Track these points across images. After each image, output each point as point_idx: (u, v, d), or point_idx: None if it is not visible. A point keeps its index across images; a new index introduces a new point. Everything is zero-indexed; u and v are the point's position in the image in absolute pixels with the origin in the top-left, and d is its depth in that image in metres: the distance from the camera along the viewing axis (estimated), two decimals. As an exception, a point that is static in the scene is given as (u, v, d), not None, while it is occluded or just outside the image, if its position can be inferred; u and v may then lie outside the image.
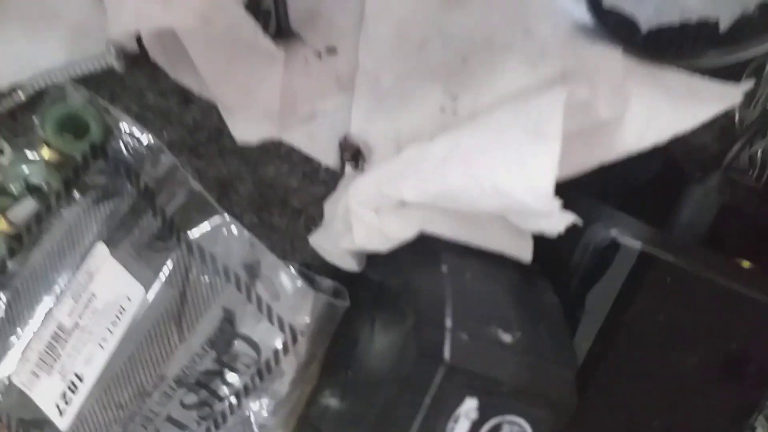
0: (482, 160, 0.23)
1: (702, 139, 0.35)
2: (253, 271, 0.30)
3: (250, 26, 0.29)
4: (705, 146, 0.36)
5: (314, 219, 0.34)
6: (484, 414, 0.22)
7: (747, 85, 0.31)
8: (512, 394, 0.22)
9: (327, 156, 0.34)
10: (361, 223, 0.26)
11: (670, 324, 0.28)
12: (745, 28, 0.32)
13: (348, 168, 0.33)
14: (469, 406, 0.21)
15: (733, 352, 0.28)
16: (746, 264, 0.32)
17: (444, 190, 0.24)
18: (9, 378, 0.32)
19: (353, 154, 0.33)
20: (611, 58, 0.30)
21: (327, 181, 0.34)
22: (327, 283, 0.33)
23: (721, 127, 0.35)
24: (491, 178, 0.23)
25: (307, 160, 0.34)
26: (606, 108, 0.26)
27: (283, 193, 0.34)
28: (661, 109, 0.29)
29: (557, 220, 0.24)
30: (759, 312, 0.28)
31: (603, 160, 0.29)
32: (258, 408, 0.32)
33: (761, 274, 0.31)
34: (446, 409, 0.22)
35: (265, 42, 0.30)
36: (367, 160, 0.33)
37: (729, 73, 0.34)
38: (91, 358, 0.31)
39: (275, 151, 0.34)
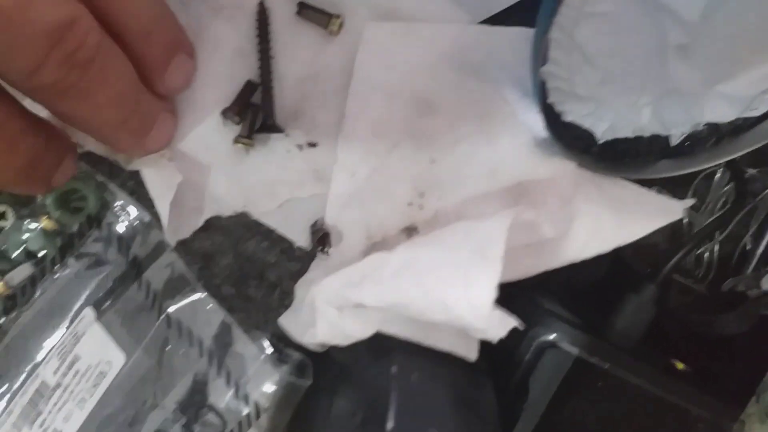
0: (432, 276, 0.26)
1: (652, 239, 0.38)
2: (225, 345, 0.33)
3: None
4: (655, 245, 0.39)
5: (288, 293, 0.37)
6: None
7: (690, 201, 0.34)
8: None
9: (300, 237, 0.36)
10: (324, 320, 0.29)
11: (601, 426, 0.31)
12: (694, 142, 0.35)
13: (318, 250, 0.36)
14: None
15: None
16: (680, 366, 0.35)
17: (398, 299, 0.27)
18: (-7, 428, 0.35)
19: (321, 239, 0.36)
20: (564, 173, 0.33)
21: (302, 257, 0.37)
22: (295, 356, 0.35)
23: (672, 227, 0.38)
24: (439, 293, 0.26)
25: (284, 239, 0.37)
26: (550, 228, 0.29)
27: (260, 267, 0.37)
28: (606, 222, 0.32)
29: (498, 328, 0.27)
30: (681, 417, 0.31)
31: (547, 267, 0.31)
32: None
33: (693, 377, 0.34)
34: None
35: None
36: (335, 245, 0.36)
37: (680, 180, 0.37)
38: (69, 416, 0.34)
39: (256, 228, 0.37)
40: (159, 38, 0.28)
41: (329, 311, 0.29)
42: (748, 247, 0.41)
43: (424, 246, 0.28)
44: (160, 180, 0.31)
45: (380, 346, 0.28)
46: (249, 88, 0.34)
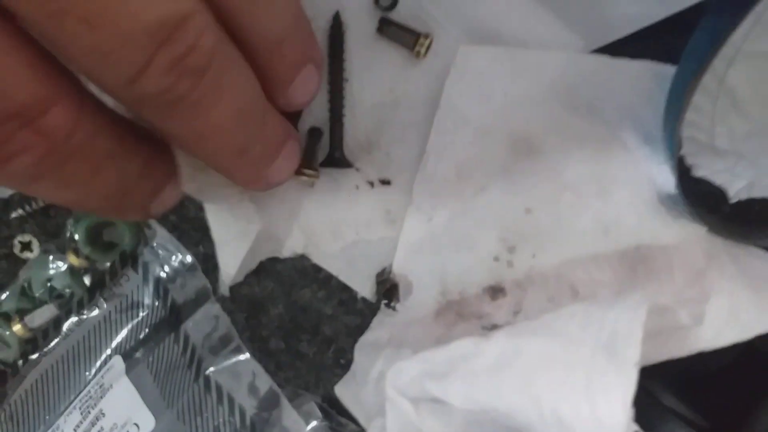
0: (544, 379, 0.20)
1: None
2: (269, 417, 0.28)
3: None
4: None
5: (344, 350, 0.32)
6: None
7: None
8: None
9: (363, 287, 0.31)
10: (396, 414, 0.24)
11: None
12: None
13: (384, 304, 0.31)
14: None
15: None
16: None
17: (496, 404, 0.21)
18: (6, 480, 0.31)
19: (388, 291, 0.30)
20: (694, 239, 0.27)
21: (363, 311, 0.32)
22: (350, 427, 0.30)
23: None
24: (554, 403, 0.20)
25: (345, 288, 0.32)
26: (687, 316, 0.23)
27: (315, 320, 0.32)
28: (745, 304, 0.26)
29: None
30: None
31: (671, 356, 0.26)
32: None
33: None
34: None
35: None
36: (403, 299, 0.31)
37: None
38: (90, 481, 0.29)
39: (314, 274, 0.32)
40: (292, 48, 0.22)
41: (403, 404, 0.23)
42: None
43: (533, 335, 0.22)
44: (233, 223, 0.26)
45: None
46: (314, 135, 0.29)
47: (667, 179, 0.28)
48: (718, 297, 0.25)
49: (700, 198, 0.28)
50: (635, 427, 0.22)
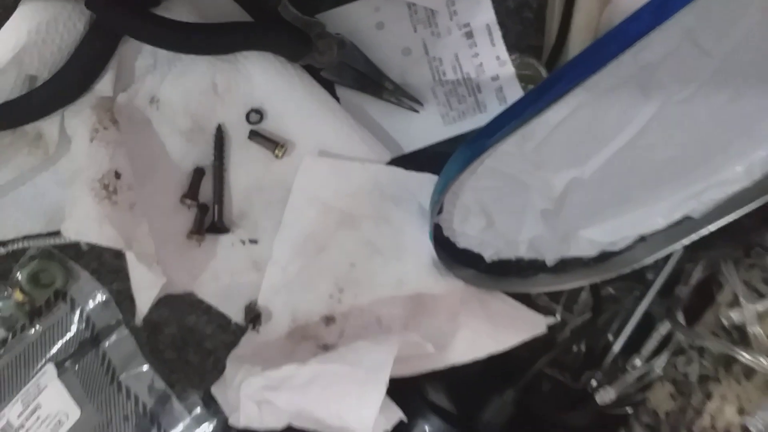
0: (332, 389, 0.34)
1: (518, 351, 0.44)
2: (163, 408, 0.40)
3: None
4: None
5: (220, 359, 0.44)
6: None
7: (551, 320, 0.43)
8: None
9: (236, 315, 0.43)
10: (246, 413, 0.36)
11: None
12: (567, 263, 0.44)
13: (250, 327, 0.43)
14: None
15: None
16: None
17: (305, 405, 0.34)
18: (-44, 461, 0.41)
19: (253, 318, 0.43)
20: (453, 290, 0.41)
21: (236, 332, 0.44)
22: (221, 416, 0.42)
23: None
24: (336, 404, 0.33)
25: (222, 316, 0.44)
26: (431, 347, 0.37)
27: (199, 338, 0.44)
28: (483, 333, 0.40)
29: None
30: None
31: (431, 369, 0.39)
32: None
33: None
34: None
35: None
36: (265, 323, 0.43)
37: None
38: (28, 455, 0.40)
39: (198, 305, 0.43)
40: None
41: (250, 406, 0.36)
42: (611, 341, 0.49)
43: (331, 363, 0.35)
44: (146, 278, 0.37)
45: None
46: (198, 173, 0.40)
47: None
48: (464, 330, 0.40)
49: (460, 261, 0.42)
50: (400, 413, 0.36)
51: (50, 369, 0.40)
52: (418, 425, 0.39)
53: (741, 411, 0.38)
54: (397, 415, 0.36)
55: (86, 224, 0.35)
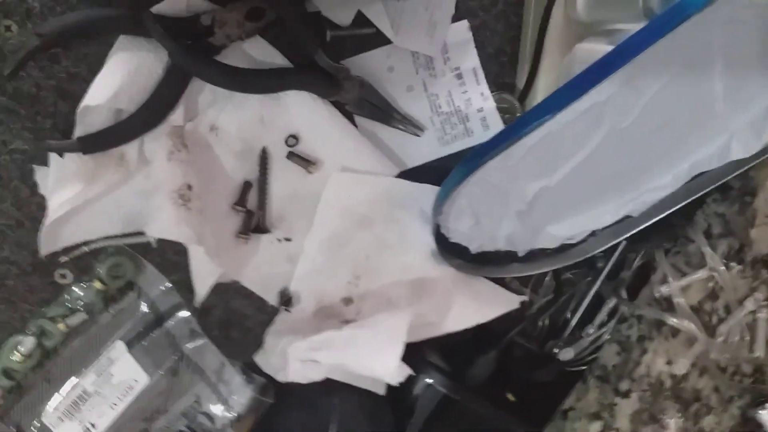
0: (363, 349, 0.44)
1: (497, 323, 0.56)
2: (218, 374, 0.50)
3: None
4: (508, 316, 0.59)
5: (258, 336, 0.54)
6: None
7: (523, 297, 0.54)
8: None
9: (271, 298, 0.53)
10: (293, 369, 0.46)
11: (455, 433, 0.50)
12: (535, 254, 0.55)
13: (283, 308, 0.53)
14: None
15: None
16: (512, 398, 0.55)
17: (341, 360, 0.44)
18: (41, 420, 0.50)
19: (286, 301, 0.53)
20: (447, 275, 0.52)
21: (271, 312, 0.54)
22: (260, 379, 0.52)
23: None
24: (365, 359, 0.44)
25: (260, 299, 0.53)
26: (434, 316, 0.48)
27: (241, 318, 0.54)
28: (471, 308, 0.51)
29: (398, 378, 0.46)
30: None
31: (433, 335, 0.50)
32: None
33: (519, 405, 0.54)
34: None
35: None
36: (295, 305, 0.53)
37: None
38: (103, 414, 0.49)
39: (242, 291, 0.53)
40: None
41: (296, 364, 0.46)
42: (568, 318, 0.61)
43: (359, 329, 0.46)
44: (206, 268, 0.47)
45: (328, 385, 0.46)
46: (246, 186, 0.50)
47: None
48: (456, 306, 0.51)
49: (453, 252, 0.53)
50: (409, 370, 0.47)
51: (120, 345, 0.49)
52: (421, 378, 0.49)
53: (668, 362, 0.50)
54: (406, 370, 0.47)
55: (168, 226, 0.44)
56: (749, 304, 0.49)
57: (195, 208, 0.45)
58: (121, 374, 0.49)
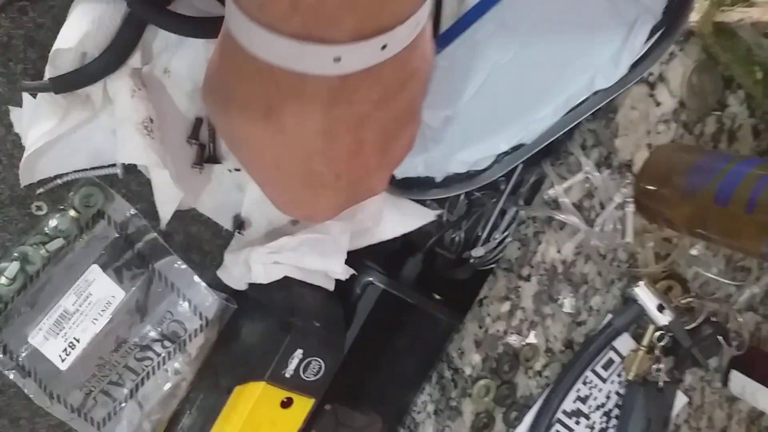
0: (315, 249, 0.53)
1: (427, 227, 0.67)
2: (187, 285, 0.57)
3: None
4: (429, 231, 0.69)
5: (216, 257, 0.61)
6: (304, 356, 0.51)
7: (439, 211, 0.64)
8: (318, 348, 0.52)
9: (226, 223, 0.61)
10: (257, 270, 0.54)
11: (393, 324, 0.60)
12: (449, 180, 0.66)
13: (237, 232, 0.61)
14: (298, 352, 0.51)
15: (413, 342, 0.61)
16: (437, 296, 0.65)
17: (298, 259, 0.53)
18: (28, 341, 0.55)
19: (239, 225, 0.61)
20: (383, 196, 0.61)
21: (226, 236, 0.62)
22: (222, 295, 0.60)
23: (438, 222, 0.68)
24: (318, 258, 0.53)
25: (215, 224, 0.61)
26: (369, 221, 0.57)
27: (200, 242, 0.61)
28: (397, 221, 0.61)
29: (344, 275, 0.55)
30: (432, 320, 0.61)
31: (370, 242, 0.60)
32: (178, 364, 0.59)
33: (444, 302, 0.65)
34: (289, 353, 0.51)
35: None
36: (247, 228, 0.61)
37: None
38: (86, 330, 0.56)
39: (199, 217, 0.61)
40: None
41: (259, 266, 0.54)
42: (479, 234, 0.72)
43: (310, 233, 0.55)
44: (169, 193, 0.54)
45: (286, 282, 0.55)
46: (198, 121, 0.58)
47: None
48: (386, 218, 0.60)
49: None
50: (352, 270, 0.56)
51: (95, 268, 0.56)
52: (362, 278, 0.59)
53: (558, 250, 0.62)
54: (350, 270, 0.56)
55: (137, 152, 0.51)
56: (617, 199, 0.62)
57: (157, 138, 0.53)
58: (99, 293, 0.56)
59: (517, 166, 0.66)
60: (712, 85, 0.65)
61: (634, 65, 0.55)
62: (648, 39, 0.54)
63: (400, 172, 0.63)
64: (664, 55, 0.55)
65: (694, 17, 0.61)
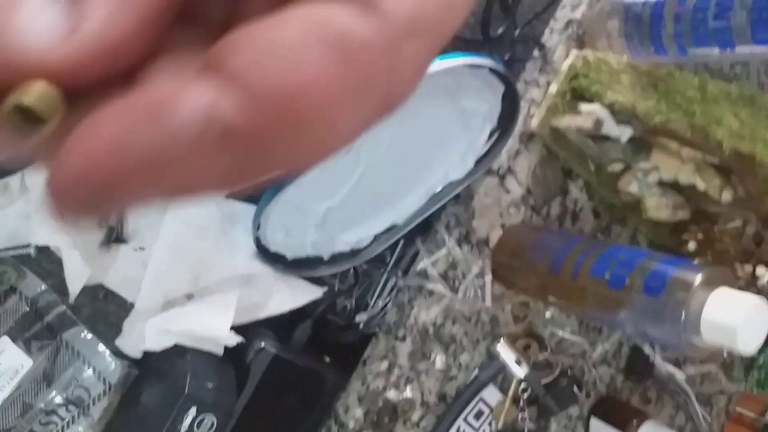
0: (206, 318, 0.61)
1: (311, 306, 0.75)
2: (91, 355, 0.63)
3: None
4: (320, 299, 0.78)
5: (121, 329, 0.68)
6: (197, 412, 0.58)
7: (324, 288, 0.74)
8: (210, 405, 0.59)
9: (130, 297, 0.68)
10: (149, 338, 0.61)
11: (285, 386, 0.67)
12: (336, 258, 0.75)
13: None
14: (192, 410, 0.57)
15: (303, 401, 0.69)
16: (328, 359, 0.74)
17: (188, 328, 0.61)
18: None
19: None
20: (268, 272, 0.70)
21: (130, 309, 0.68)
22: (125, 362, 0.66)
23: (330, 290, 0.77)
24: (207, 326, 0.60)
25: (121, 298, 0.68)
26: (260, 298, 0.65)
27: (106, 315, 0.67)
28: (287, 295, 0.70)
29: (231, 341, 0.63)
30: (321, 381, 0.69)
31: (260, 317, 0.68)
32: (82, 428, 0.64)
33: (332, 363, 0.73)
34: (183, 411, 0.57)
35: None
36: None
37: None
38: (-8, 398, 0.60)
39: (101, 290, 0.67)
40: None
41: (152, 335, 0.61)
42: (368, 301, 0.82)
43: (199, 303, 0.63)
44: (79, 270, 0.61)
45: (182, 349, 0.62)
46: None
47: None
48: (276, 293, 0.69)
49: (274, 260, 0.71)
50: (240, 337, 0.64)
51: (5, 339, 0.61)
52: (254, 344, 0.67)
53: (428, 314, 0.72)
54: (239, 337, 0.64)
55: (50, 235, 0.58)
56: (475, 270, 0.73)
57: (69, 222, 0.60)
58: (7, 362, 0.61)
59: (399, 242, 0.77)
60: (554, 175, 0.79)
61: (479, 161, 0.67)
62: (488, 140, 0.67)
63: (292, 253, 0.72)
64: (502, 151, 0.67)
65: (534, 122, 0.75)
